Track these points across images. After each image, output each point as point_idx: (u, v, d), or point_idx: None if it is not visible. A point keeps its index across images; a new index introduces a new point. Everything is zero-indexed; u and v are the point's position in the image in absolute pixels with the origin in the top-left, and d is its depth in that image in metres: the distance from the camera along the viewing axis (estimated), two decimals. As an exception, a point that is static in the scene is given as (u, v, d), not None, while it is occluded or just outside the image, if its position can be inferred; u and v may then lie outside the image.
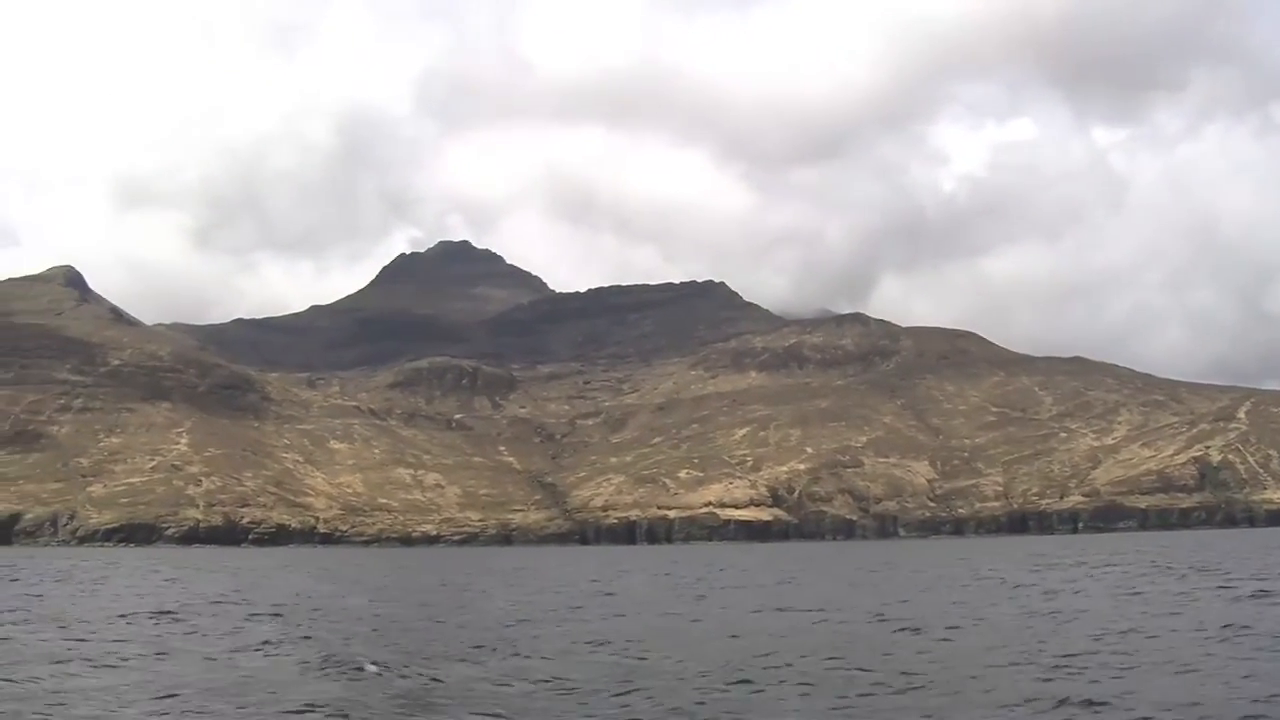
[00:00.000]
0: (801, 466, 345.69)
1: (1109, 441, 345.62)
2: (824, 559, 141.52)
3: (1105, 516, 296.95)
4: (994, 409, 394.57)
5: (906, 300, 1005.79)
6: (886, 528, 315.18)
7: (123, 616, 51.37)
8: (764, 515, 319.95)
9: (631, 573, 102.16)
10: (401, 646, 39.70)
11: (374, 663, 33.67)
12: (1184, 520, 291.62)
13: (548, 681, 30.71)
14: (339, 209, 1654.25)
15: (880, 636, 40.89)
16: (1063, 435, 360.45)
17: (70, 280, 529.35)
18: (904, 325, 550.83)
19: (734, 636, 41.43)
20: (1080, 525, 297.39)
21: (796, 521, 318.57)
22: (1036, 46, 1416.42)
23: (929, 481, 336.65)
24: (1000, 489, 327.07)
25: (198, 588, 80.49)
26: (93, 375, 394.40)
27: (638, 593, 70.72)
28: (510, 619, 47.64)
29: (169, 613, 52.90)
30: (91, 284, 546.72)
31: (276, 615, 52.05)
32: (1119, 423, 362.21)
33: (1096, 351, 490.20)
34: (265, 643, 40.35)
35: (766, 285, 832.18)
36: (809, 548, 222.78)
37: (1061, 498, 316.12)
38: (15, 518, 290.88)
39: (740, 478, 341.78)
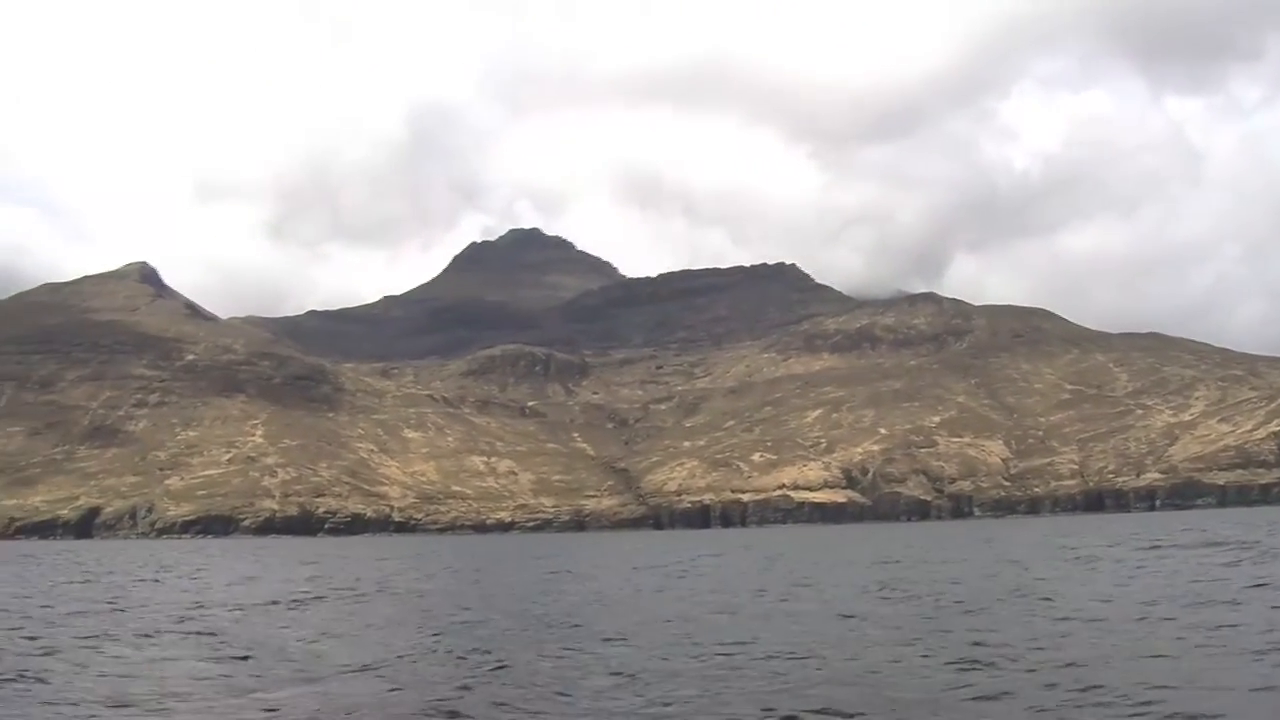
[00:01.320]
0: (875, 448, 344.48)
1: (1186, 418, 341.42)
2: (927, 539, 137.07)
3: (1183, 493, 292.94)
4: (1069, 386, 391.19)
5: (980, 279, 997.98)
6: (961, 508, 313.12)
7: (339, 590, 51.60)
8: (838, 497, 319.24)
9: (782, 557, 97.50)
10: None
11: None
12: (1264, 496, 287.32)
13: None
14: (410, 199, 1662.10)
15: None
16: (1139, 412, 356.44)
17: (145, 276, 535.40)
18: (977, 304, 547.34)
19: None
20: (1158, 503, 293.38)
21: (870, 503, 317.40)
22: (1109, 17, 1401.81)
23: (1003, 461, 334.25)
24: (1076, 467, 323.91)
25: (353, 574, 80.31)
26: (169, 370, 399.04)
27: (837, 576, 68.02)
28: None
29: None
30: (166, 279, 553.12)
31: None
32: (1196, 398, 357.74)
33: (1175, 327, 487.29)
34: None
35: (838, 266, 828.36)
36: (897, 529, 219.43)
37: (1138, 475, 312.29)
38: (95, 511, 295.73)
39: (814, 460, 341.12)
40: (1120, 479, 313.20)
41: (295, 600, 52.65)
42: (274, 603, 51.15)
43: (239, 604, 50.93)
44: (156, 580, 74.25)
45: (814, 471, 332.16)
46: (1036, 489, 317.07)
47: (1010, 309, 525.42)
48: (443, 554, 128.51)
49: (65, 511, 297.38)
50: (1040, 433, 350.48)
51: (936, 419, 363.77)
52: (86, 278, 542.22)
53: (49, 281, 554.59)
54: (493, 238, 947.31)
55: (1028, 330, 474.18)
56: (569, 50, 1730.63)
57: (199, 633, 38.30)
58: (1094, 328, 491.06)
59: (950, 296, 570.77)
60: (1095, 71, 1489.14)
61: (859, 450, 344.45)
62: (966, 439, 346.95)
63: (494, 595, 54.49)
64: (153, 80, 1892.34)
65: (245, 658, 31.63)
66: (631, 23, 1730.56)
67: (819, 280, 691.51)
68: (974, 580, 56.77)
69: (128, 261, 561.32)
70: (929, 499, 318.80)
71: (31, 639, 36.20)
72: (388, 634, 38.38)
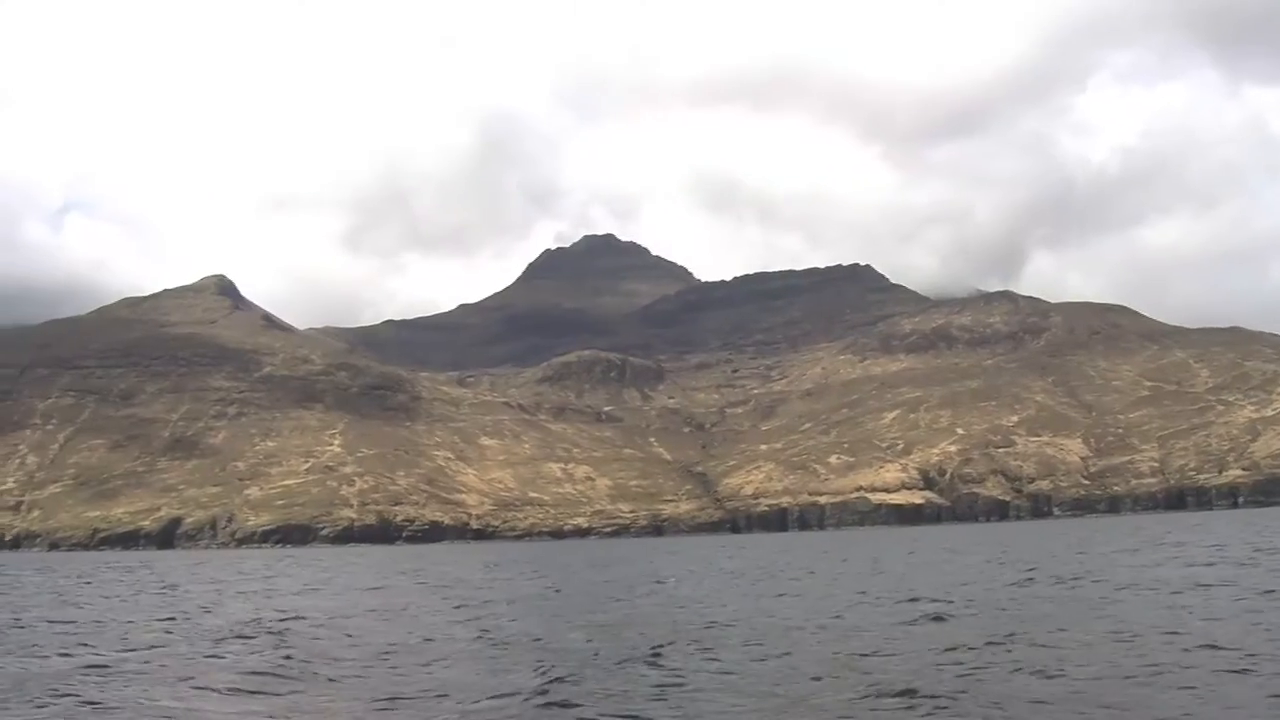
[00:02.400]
0: (952, 448, 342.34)
1: (1269, 413, 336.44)
2: (1023, 539, 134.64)
3: (1266, 490, 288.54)
4: (1148, 383, 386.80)
5: (1058, 275, 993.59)
6: (1040, 507, 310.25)
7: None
8: (915, 498, 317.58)
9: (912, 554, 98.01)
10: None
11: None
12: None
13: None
14: (483, 206, 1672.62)
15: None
16: (1220, 408, 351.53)
17: (223, 289, 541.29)
18: (1054, 301, 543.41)
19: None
20: (1240, 500, 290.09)
21: (949, 504, 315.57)
22: (1184, 8, 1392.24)
23: (1082, 459, 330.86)
24: (1156, 465, 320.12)
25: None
26: (247, 381, 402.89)
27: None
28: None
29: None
30: (244, 291, 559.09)
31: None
32: (1278, 393, 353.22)
33: (1256, 320, 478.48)
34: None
35: (914, 266, 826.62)
36: (980, 529, 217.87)
37: (1220, 472, 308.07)
38: (177, 522, 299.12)
39: (891, 461, 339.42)
40: (1202, 476, 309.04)
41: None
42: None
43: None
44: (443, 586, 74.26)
45: (891, 473, 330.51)
46: (1116, 488, 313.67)
47: (1087, 306, 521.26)
48: (568, 560, 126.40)
49: (147, 523, 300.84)
50: (1120, 430, 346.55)
51: (1014, 418, 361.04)
52: (165, 291, 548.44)
53: (129, 296, 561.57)
54: (567, 244, 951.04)
55: (1105, 327, 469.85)
56: (640, 54, 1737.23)
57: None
58: (1173, 323, 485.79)
59: (1027, 294, 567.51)
60: (1171, 63, 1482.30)
61: (936, 451, 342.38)
62: (1045, 438, 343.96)
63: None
64: (228, 94, 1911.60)
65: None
66: (702, 25, 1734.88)
67: (894, 280, 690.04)
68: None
69: (205, 274, 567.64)
70: (1007, 499, 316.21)
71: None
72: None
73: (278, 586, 77.93)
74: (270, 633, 40.76)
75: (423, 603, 55.91)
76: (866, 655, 30.78)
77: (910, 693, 24.42)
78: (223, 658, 34.06)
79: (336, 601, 58.83)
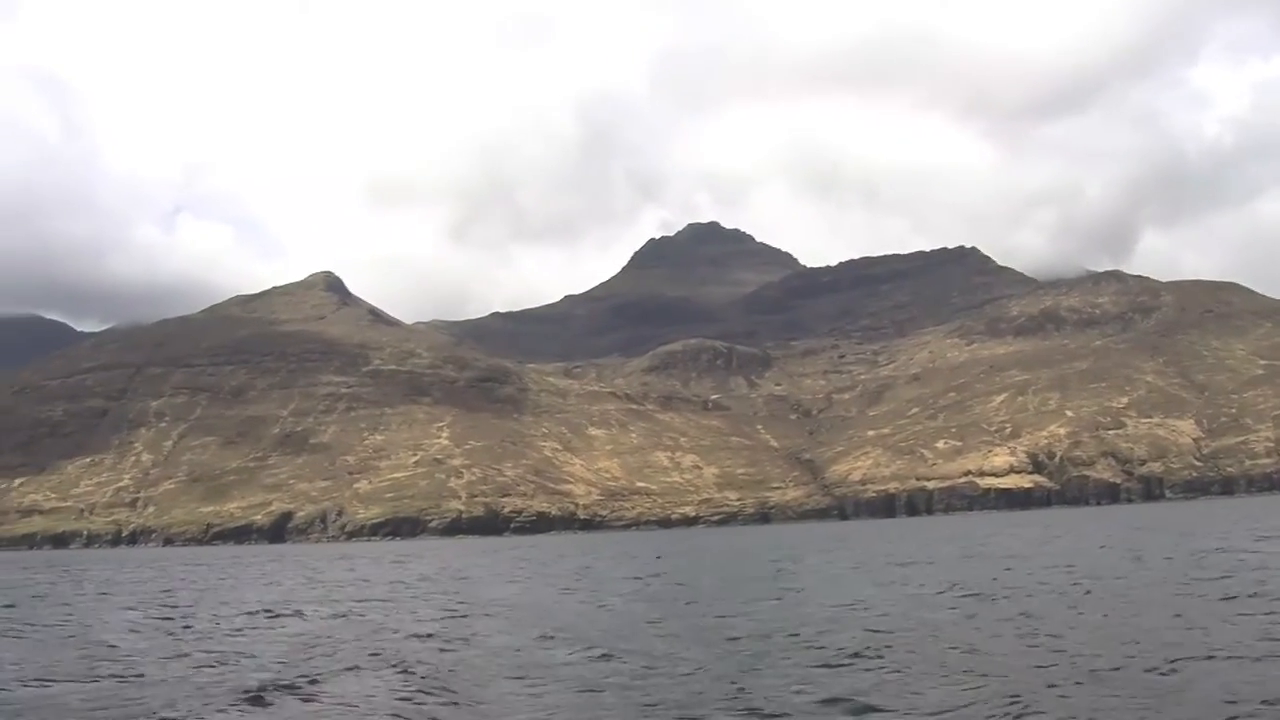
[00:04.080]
0: (1061, 431, 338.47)
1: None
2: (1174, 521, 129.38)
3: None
4: (1262, 362, 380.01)
5: (1172, 253, 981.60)
6: (1152, 490, 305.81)
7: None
8: (1024, 483, 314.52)
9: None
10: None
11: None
12: None
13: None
14: (587, 196, 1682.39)
15: None
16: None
17: (330, 285, 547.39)
18: (1165, 280, 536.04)
19: None
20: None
21: (1058, 488, 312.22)
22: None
23: (1195, 440, 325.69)
24: (1271, 445, 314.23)
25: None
26: (355, 376, 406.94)
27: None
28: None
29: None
30: (351, 287, 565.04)
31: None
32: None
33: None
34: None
35: (1023, 248, 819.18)
36: (1097, 513, 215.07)
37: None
38: (288, 516, 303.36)
39: (999, 445, 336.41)
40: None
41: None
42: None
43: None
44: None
45: (1000, 457, 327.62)
46: (1230, 469, 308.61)
47: (1198, 284, 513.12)
48: (712, 547, 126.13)
49: (259, 517, 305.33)
50: (1233, 410, 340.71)
51: (1124, 400, 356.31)
52: (275, 289, 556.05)
53: (239, 294, 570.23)
54: (671, 232, 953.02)
55: (1218, 305, 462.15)
56: (741, 39, 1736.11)
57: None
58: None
59: (1136, 274, 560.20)
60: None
61: (1045, 434, 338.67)
62: (1156, 419, 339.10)
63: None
64: (333, 92, 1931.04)
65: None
66: (803, 7, 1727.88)
67: (1002, 262, 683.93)
68: None
69: (313, 271, 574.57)
70: (1118, 482, 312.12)
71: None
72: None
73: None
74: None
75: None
76: None
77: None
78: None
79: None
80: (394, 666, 29.79)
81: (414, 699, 24.97)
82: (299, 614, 47.56)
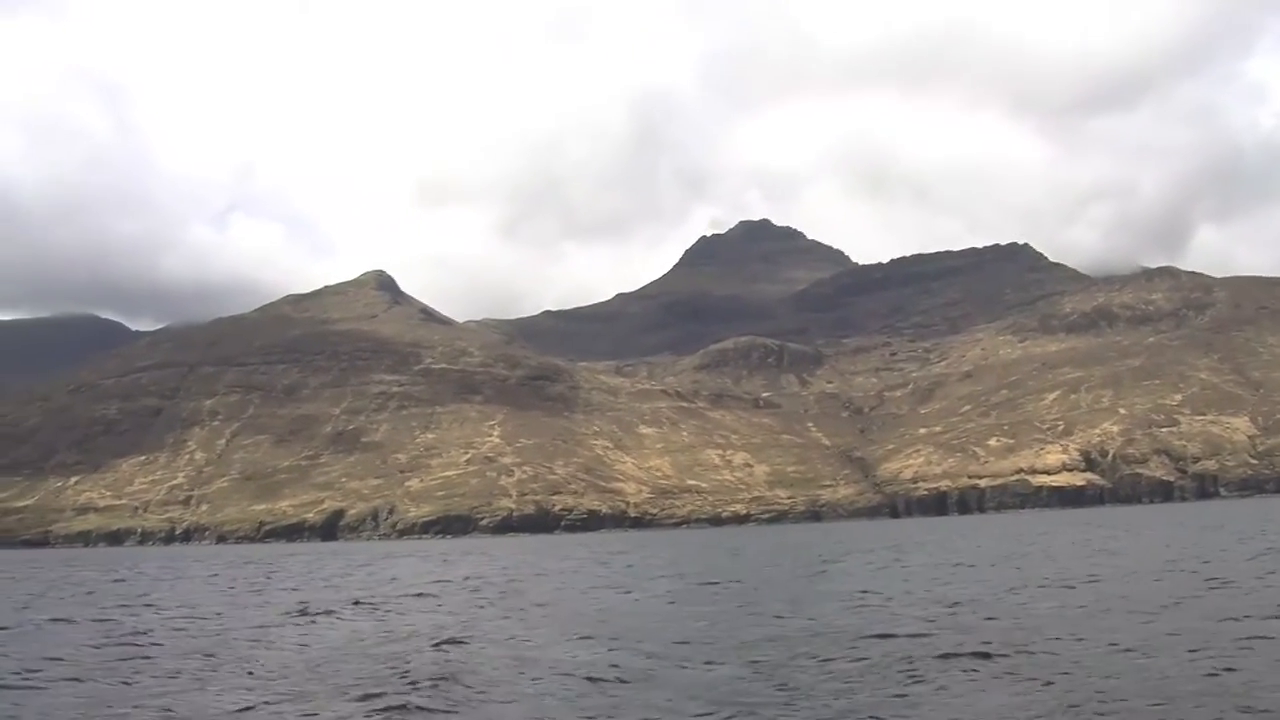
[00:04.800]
0: (1114, 428, 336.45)
1: None
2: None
3: None
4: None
5: (1227, 249, 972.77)
6: (1206, 488, 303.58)
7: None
8: (1077, 480, 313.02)
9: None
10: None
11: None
12: None
13: None
14: (638, 193, 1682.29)
15: None
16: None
17: (382, 284, 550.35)
18: (1220, 275, 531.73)
19: None
20: None
21: (1111, 486, 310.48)
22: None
23: (1250, 438, 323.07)
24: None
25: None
26: (407, 375, 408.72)
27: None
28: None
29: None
30: (403, 285, 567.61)
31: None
32: None
33: None
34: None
35: (1076, 244, 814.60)
36: (1151, 511, 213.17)
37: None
38: (340, 514, 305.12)
39: (1052, 443, 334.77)
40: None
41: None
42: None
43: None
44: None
45: (1052, 455, 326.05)
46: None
47: (1253, 280, 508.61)
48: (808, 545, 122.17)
49: (311, 515, 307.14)
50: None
51: (1178, 397, 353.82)
52: (327, 288, 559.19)
53: (292, 293, 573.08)
54: (722, 230, 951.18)
55: (1273, 301, 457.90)
56: (791, 35, 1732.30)
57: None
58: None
59: (1190, 270, 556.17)
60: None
61: (1098, 432, 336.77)
62: (1210, 416, 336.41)
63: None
64: (383, 91, 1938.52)
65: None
66: (850, 4, 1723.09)
67: (1055, 259, 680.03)
68: None
69: (365, 270, 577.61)
70: (1171, 480, 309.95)
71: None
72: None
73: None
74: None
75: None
76: None
77: None
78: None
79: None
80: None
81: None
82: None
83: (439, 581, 69.29)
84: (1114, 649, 29.10)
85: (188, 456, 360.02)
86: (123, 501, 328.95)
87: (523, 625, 40.57)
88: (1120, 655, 28.12)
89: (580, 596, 54.43)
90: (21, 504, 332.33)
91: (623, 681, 26.94)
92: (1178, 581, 47.75)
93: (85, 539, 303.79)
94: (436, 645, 34.28)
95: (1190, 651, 28.08)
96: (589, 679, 27.22)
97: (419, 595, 58.04)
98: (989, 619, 36.75)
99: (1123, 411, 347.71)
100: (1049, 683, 24.73)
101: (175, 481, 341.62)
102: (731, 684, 26.33)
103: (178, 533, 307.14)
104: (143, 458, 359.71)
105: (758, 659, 29.96)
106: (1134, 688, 23.77)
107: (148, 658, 33.53)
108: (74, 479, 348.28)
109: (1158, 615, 35.83)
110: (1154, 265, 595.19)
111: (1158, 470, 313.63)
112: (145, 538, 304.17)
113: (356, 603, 52.75)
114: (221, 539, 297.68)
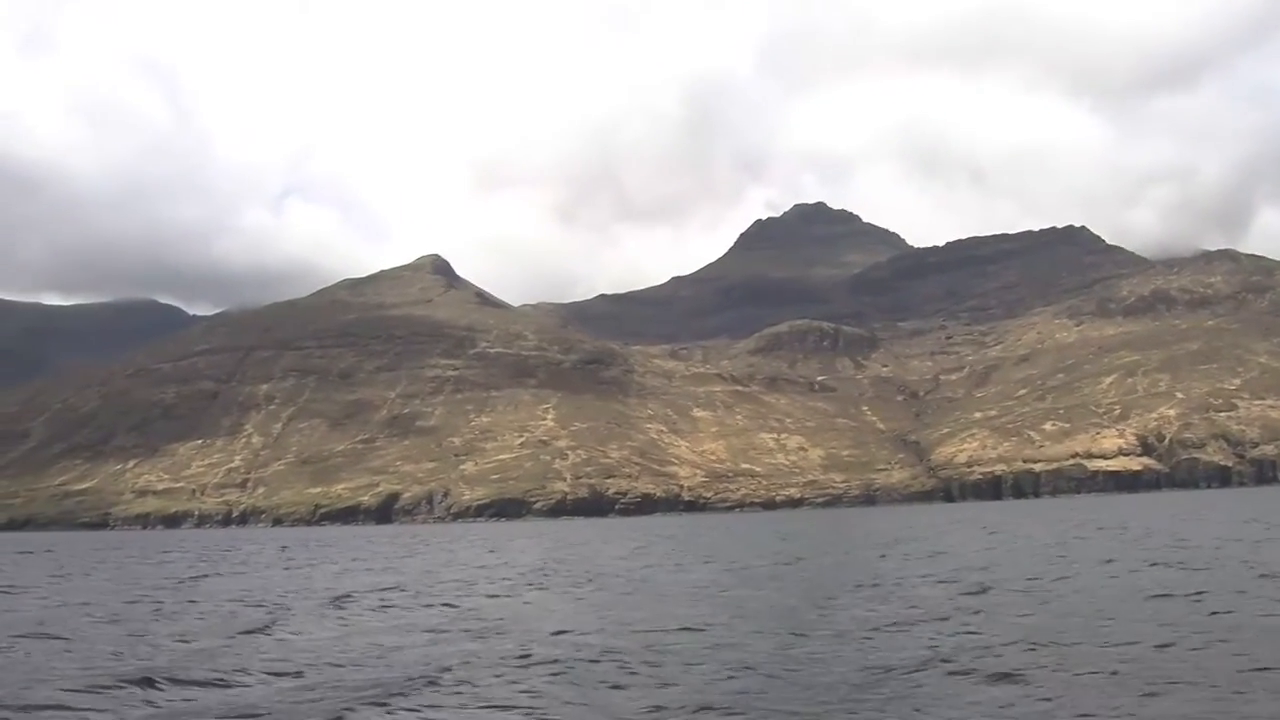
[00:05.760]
0: (1171, 413, 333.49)
1: None
2: None
3: None
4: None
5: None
6: (1264, 473, 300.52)
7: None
8: (1133, 465, 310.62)
9: None
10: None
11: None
12: None
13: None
14: (692, 176, 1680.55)
15: None
16: None
17: (437, 268, 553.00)
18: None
19: None
20: None
21: (1167, 470, 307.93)
22: None
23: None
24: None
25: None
26: (462, 359, 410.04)
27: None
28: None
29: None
30: (458, 269, 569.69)
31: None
32: None
33: None
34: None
35: (1135, 226, 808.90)
36: (1212, 497, 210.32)
37: None
38: (395, 497, 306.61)
39: (1108, 427, 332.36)
40: None
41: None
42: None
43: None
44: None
45: (1108, 439, 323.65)
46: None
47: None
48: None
49: (366, 498, 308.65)
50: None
51: (1237, 381, 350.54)
52: (382, 272, 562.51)
53: (348, 278, 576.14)
54: (777, 213, 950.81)
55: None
56: (848, 15, 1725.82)
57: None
58: None
59: (1251, 253, 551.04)
60: None
61: (1155, 416, 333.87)
62: (1269, 401, 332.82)
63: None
64: (438, 74, 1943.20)
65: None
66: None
67: (1113, 242, 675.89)
68: None
69: (421, 254, 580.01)
70: (1229, 465, 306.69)
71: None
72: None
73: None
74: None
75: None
76: None
77: None
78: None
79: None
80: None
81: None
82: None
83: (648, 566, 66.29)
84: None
85: (244, 440, 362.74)
86: (180, 485, 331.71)
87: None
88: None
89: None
90: (81, 487, 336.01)
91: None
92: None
93: (143, 521, 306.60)
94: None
95: None
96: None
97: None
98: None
99: (1180, 396, 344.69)
100: None
101: (232, 465, 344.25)
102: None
103: (234, 516, 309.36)
104: (200, 441, 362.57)
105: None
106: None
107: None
108: (132, 462, 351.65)
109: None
110: (1214, 248, 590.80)
111: (1215, 455, 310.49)
112: (202, 520, 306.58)
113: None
114: (277, 521, 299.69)
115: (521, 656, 28.55)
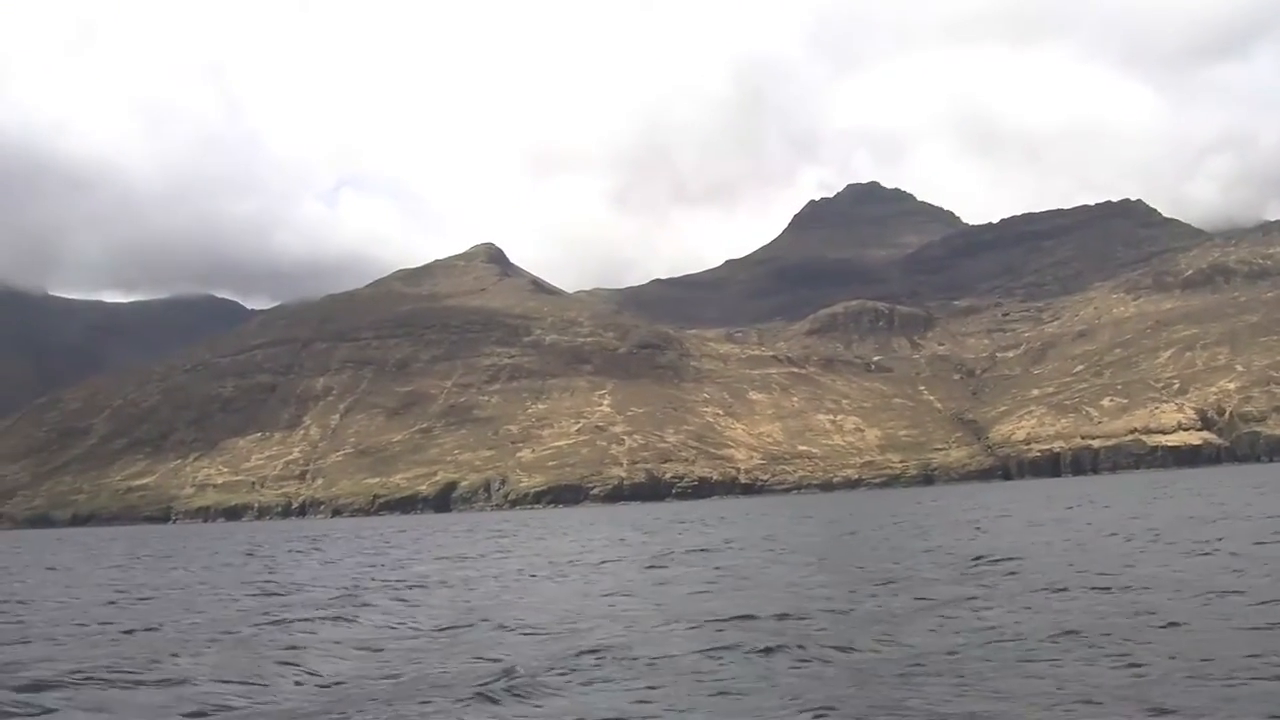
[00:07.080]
0: (1231, 386, 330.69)
1: None
2: None
3: None
4: None
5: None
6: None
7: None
8: (1193, 439, 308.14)
9: None
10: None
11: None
12: None
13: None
14: (745, 158, 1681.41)
15: None
16: None
17: (492, 256, 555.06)
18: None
19: None
20: None
21: (1228, 444, 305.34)
22: None
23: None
24: None
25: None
26: (517, 347, 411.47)
27: None
28: None
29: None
30: (512, 257, 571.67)
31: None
32: None
33: None
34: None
35: (1193, 198, 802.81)
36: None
37: None
38: (452, 485, 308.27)
39: (1166, 402, 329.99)
40: None
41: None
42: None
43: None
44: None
45: (1167, 414, 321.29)
46: None
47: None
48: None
49: (424, 487, 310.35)
50: None
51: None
52: (436, 262, 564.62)
53: (403, 268, 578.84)
54: (830, 193, 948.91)
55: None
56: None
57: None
58: None
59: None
60: None
61: (1214, 390, 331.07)
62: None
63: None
64: (489, 62, 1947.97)
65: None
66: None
67: (1172, 215, 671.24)
68: None
69: (475, 243, 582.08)
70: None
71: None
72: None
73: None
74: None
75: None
76: None
77: None
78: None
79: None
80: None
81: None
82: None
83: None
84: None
85: (302, 432, 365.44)
86: (240, 477, 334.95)
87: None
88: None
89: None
90: (142, 482, 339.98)
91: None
92: None
93: (204, 514, 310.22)
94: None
95: None
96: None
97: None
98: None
99: (1240, 369, 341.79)
100: None
101: (291, 457, 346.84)
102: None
103: (294, 507, 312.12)
104: (259, 434, 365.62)
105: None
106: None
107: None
108: (192, 456, 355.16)
109: None
110: (1275, 219, 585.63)
111: (1277, 428, 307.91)
112: (262, 512, 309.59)
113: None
114: (337, 512, 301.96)
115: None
